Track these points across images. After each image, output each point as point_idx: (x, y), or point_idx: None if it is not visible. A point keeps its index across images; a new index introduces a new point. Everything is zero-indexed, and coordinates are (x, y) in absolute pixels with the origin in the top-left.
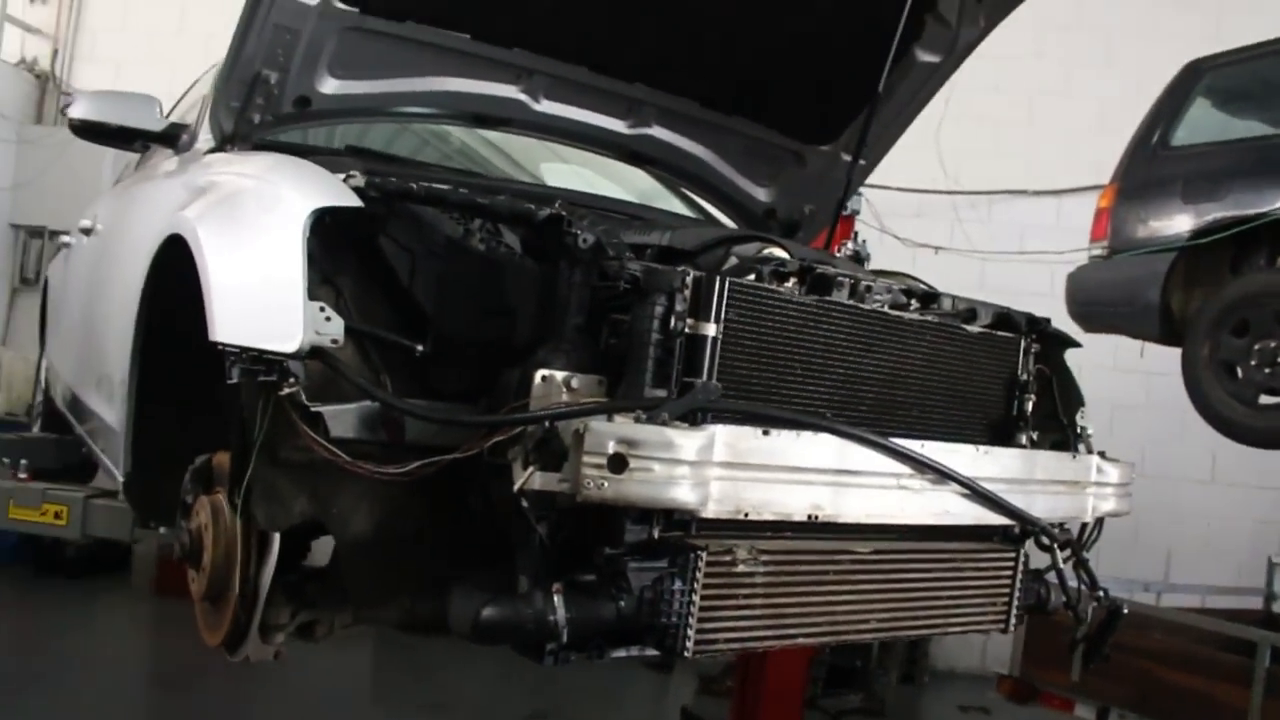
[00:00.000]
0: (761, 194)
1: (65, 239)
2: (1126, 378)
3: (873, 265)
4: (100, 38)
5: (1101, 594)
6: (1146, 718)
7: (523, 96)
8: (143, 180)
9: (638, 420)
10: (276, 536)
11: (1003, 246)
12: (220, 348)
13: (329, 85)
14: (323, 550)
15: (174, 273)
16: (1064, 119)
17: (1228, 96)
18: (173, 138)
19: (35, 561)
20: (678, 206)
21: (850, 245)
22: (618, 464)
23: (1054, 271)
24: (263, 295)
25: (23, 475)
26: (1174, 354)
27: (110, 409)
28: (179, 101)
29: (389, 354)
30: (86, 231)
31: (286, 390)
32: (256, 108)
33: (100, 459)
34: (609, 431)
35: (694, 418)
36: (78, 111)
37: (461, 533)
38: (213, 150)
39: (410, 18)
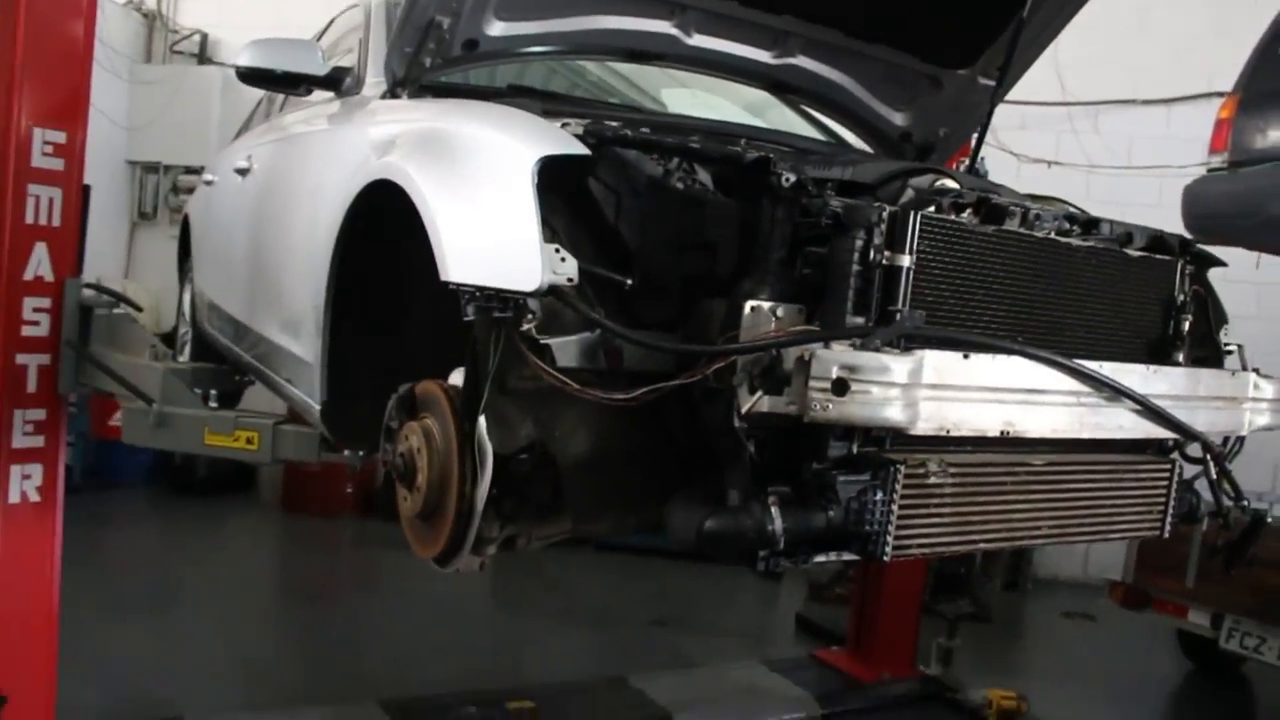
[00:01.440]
0: (898, 118)
1: (208, 177)
2: (1239, 288)
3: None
4: None
5: (1245, 503)
6: (1263, 623)
7: (675, 31)
8: (305, 124)
9: (854, 346)
10: (491, 457)
11: (1110, 158)
12: (454, 287)
13: (496, 28)
14: None
15: (371, 215)
16: (1175, 24)
17: None
18: (336, 81)
19: (168, 481)
20: (796, 121)
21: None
22: (840, 387)
23: (1162, 183)
24: (498, 239)
25: (213, 404)
26: None
27: (299, 343)
28: (318, 40)
29: (599, 288)
30: (241, 172)
31: (524, 326)
32: (428, 52)
33: (282, 387)
34: (832, 358)
35: (899, 343)
36: (245, 59)
37: (663, 453)
38: (385, 95)
39: None
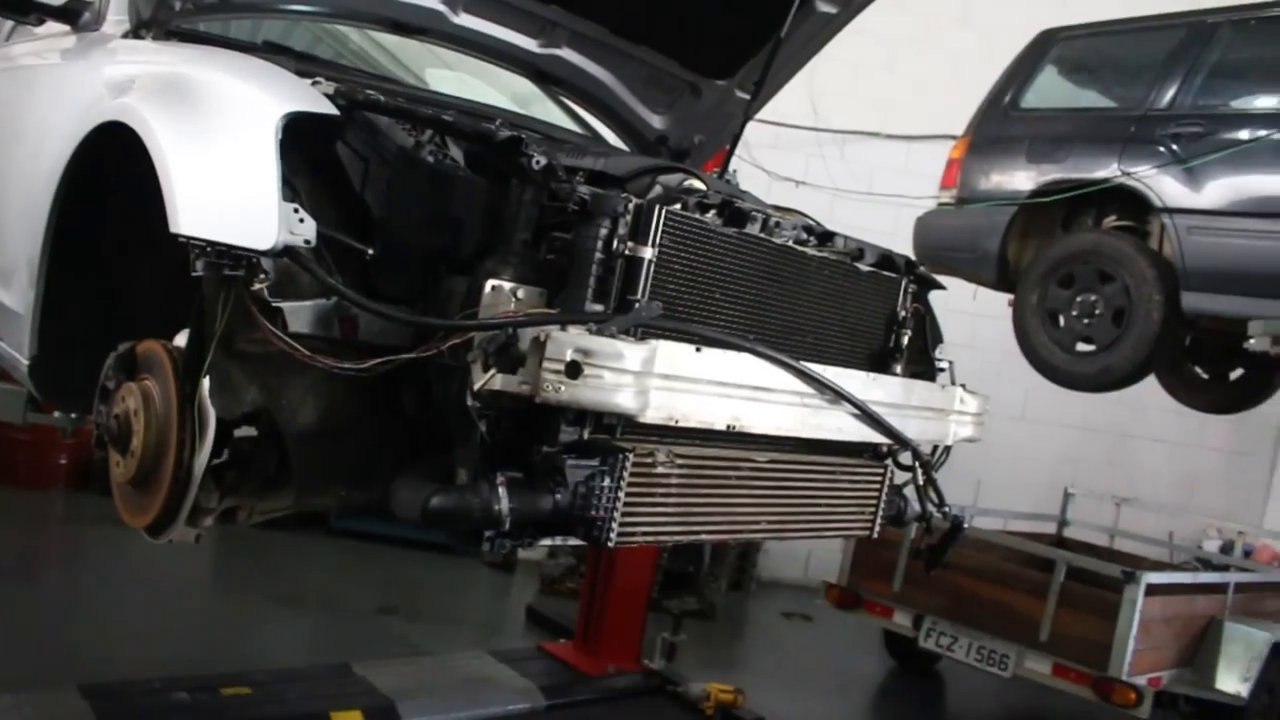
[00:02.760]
0: (656, 121)
1: None
2: (956, 317)
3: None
4: None
5: (947, 509)
6: (956, 623)
7: (442, 8)
8: (33, 56)
9: (590, 331)
10: (213, 423)
11: (854, 184)
12: (184, 240)
13: None
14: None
15: (97, 161)
16: (921, 69)
17: (1075, 66)
18: (74, 14)
19: None
20: (558, 115)
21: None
22: (574, 370)
23: (898, 212)
24: (235, 193)
25: None
26: (999, 299)
27: (10, 293)
28: None
29: (338, 255)
30: None
31: (255, 286)
32: None
33: None
34: (568, 340)
35: (635, 332)
36: None
37: (390, 428)
38: (128, 35)
39: None
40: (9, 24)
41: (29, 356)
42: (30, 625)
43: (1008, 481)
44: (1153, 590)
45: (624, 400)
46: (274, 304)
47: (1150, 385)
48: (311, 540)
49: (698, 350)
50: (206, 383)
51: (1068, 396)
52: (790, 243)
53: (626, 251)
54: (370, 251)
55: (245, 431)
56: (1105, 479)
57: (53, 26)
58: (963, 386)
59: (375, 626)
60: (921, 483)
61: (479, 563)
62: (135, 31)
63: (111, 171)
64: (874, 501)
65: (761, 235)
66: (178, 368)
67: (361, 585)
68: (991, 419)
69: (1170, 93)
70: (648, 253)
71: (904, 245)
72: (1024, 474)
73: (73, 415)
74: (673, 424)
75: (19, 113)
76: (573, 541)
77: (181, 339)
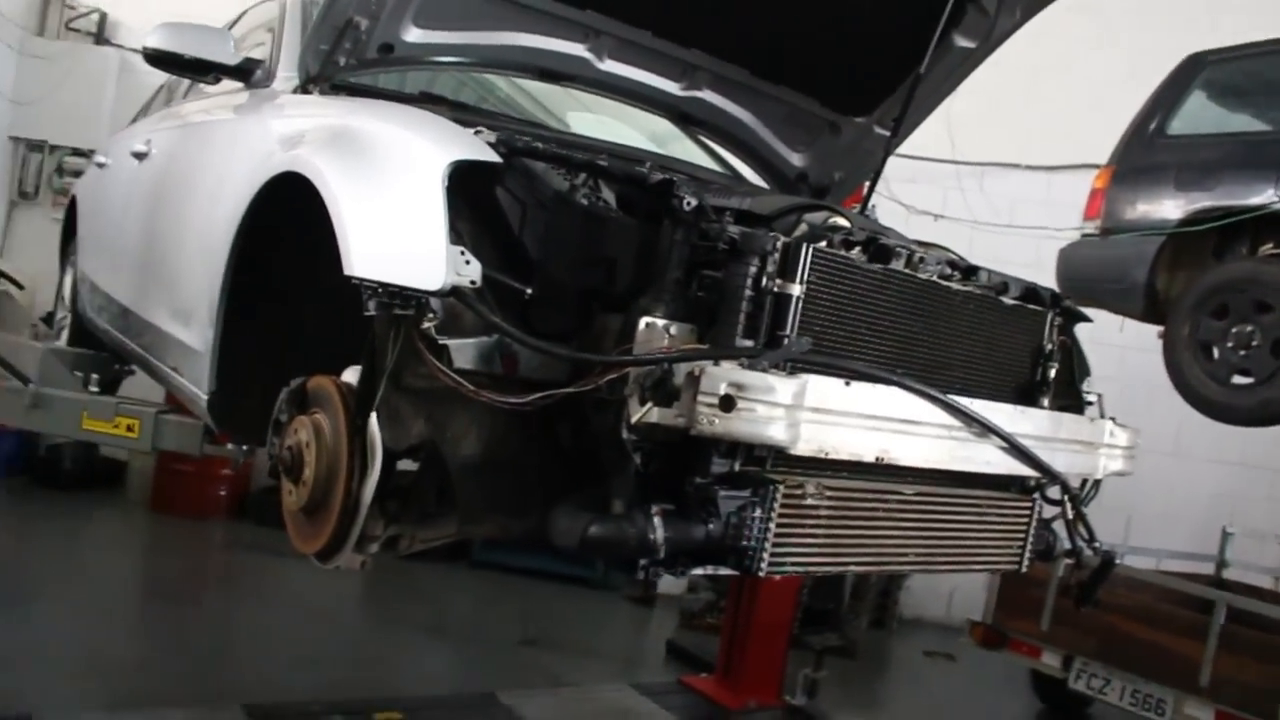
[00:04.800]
0: (796, 159)
1: (100, 159)
2: (1103, 350)
3: None
4: None
5: (1098, 545)
6: (1109, 665)
7: (588, 55)
8: (211, 112)
9: (742, 366)
10: (380, 454)
11: (993, 216)
12: (357, 282)
13: (412, 34)
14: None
15: (273, 208)
16: (1060, 97)
17: (1224, 90)
18: (247, 72)
19: (31, 473)
20: (697, 153)
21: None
22: (727, 404)
23: (1039, 244)
24: (405, 238)
25: (94, 389)
26: (1148, 331)
27: (189, 331)
28: (230, 29)
29: (499, 295)
30: (139, 155)
31: (424, 325)
32: (344, 51)
33: (168, 376)
34: (721, 375)
35: (786, 367)
36: (154, 41)
37: (550, 460)
38: (297, 90)
39: None
40: (185, 84)
41: (208, 391)
42: (195, 646)
43: (1161, 518)
44: None
45: (776, 433)
46: (441, 341)
47: None
48: (455, 572)
49: (847, 384)
50: (375, 416)
51: (1223, 431)
52: (935, 277)
53: (775, 288)
54: (529, 291)
55: (406, 465)
56: (1266, 518)
57: (224, 84)
58: (1112, 419)
59: (518, 657)
60: (1071, 517)
61: (619, 596)
62: (303, 86)
63: (285, 219)
64: (1022, 535)
65: (906, 271)
66: (347, 402)
67: (503, 616)
68: (1142, 454)
69: None
70: (796, 289)
71: (1047, 278)
72: (1177, 511)
73: (244, 448)
74: (823, 456)
75: (197, 165)
76: (724, 571)
77: (350, 375)
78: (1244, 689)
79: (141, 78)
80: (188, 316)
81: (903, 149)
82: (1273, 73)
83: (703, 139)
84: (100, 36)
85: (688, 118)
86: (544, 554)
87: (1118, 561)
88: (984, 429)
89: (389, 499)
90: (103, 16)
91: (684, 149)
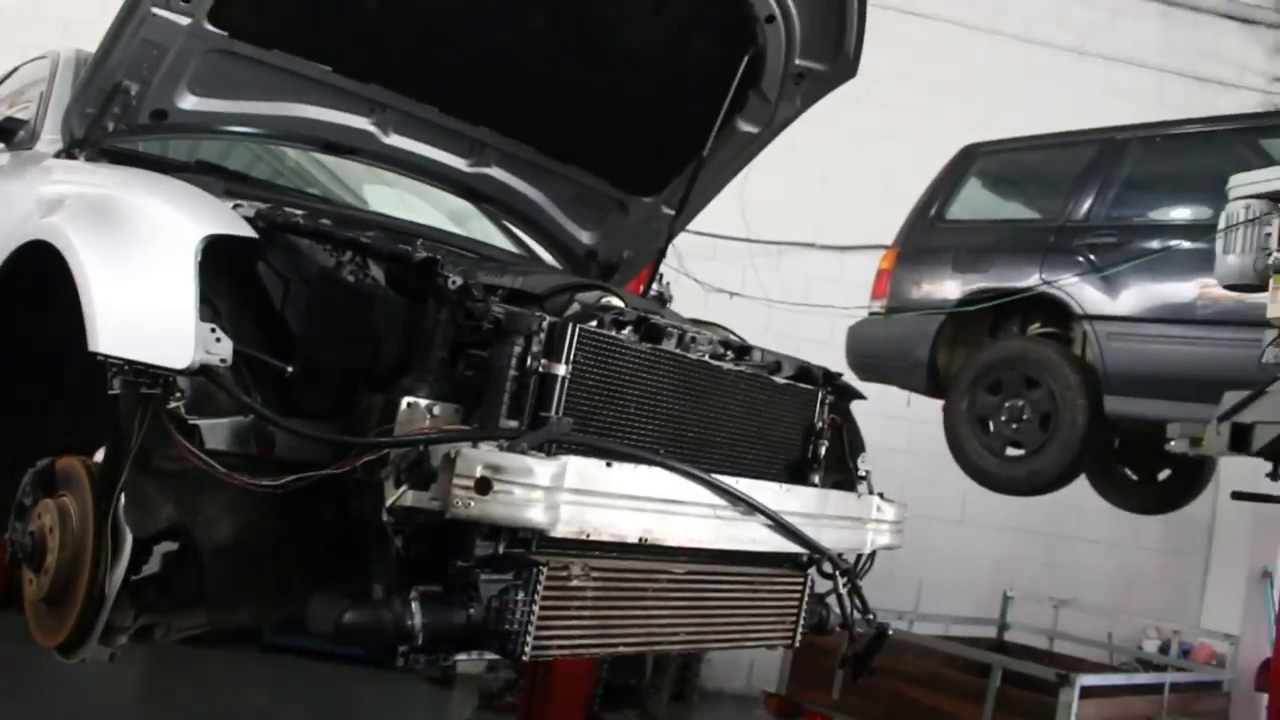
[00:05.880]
0: (585, 237)
1: None
2: (892, 423)
3: (673, 306)
4: None
5: (871, 617)
6: None
7: (373, 129)
8: None
9: (500, 448)
10: (129, 541)
11: (790, 295)
12: (102, 358)
13: (188, 101)
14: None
15: (21, 278)
16: (852, 182)
17: (997, 179)
18: (8, 132)
19: None
20: (494, 232)
21: (655, 286)
22: (484, 486)
23: (834, 322)
24: (152, 313)
25: None
26: (934, 405)
27: None
28: None
29: (258, 373)
30: None
31: (171, 404)
32: (112, 116)
33: None
34: (477, 457)
35: (547, 448)
36: None
37: (310, 543)
38: (61, 154)
39: (276, 46)
40: None
41: None
42: None
43: (950, 584)
44: (1088, 693)
45: (534, 515)
46: (190, 421)
47: (1084, 487)
48: (243, 657)
49: (609, 465)
50: (123, 500)
51: (1004, 500)
52: (706, 357)
53: (540, 368)
54: (290, 369)
55: (168, 547)
56: (1044, 581)
57: None
58: (880, 495)
59: None
60: (844, 590)
61: (418, 679)
62: (68, 151)
63: (37, 290)
64: (795, 611)
65: (677, 350)
66: (95, 485)
67: (296, 702)
68: (930, 523)
69: (1086, 204)
70: (561, 369)
71: (840, 354)
72: (965, 577)
73: None
74: (585, 538)
75: None
76: (489, 655)
77: (101, 455)
78: None
79: None
80: None
81: (701, 227)
82: (1038, 164)
83: (502, 220)
84: None
85: (477, 194)
86: None
87: (906, 629)
88: (749, 507)
89: (145, 586)
90: None
91: (482, 228)
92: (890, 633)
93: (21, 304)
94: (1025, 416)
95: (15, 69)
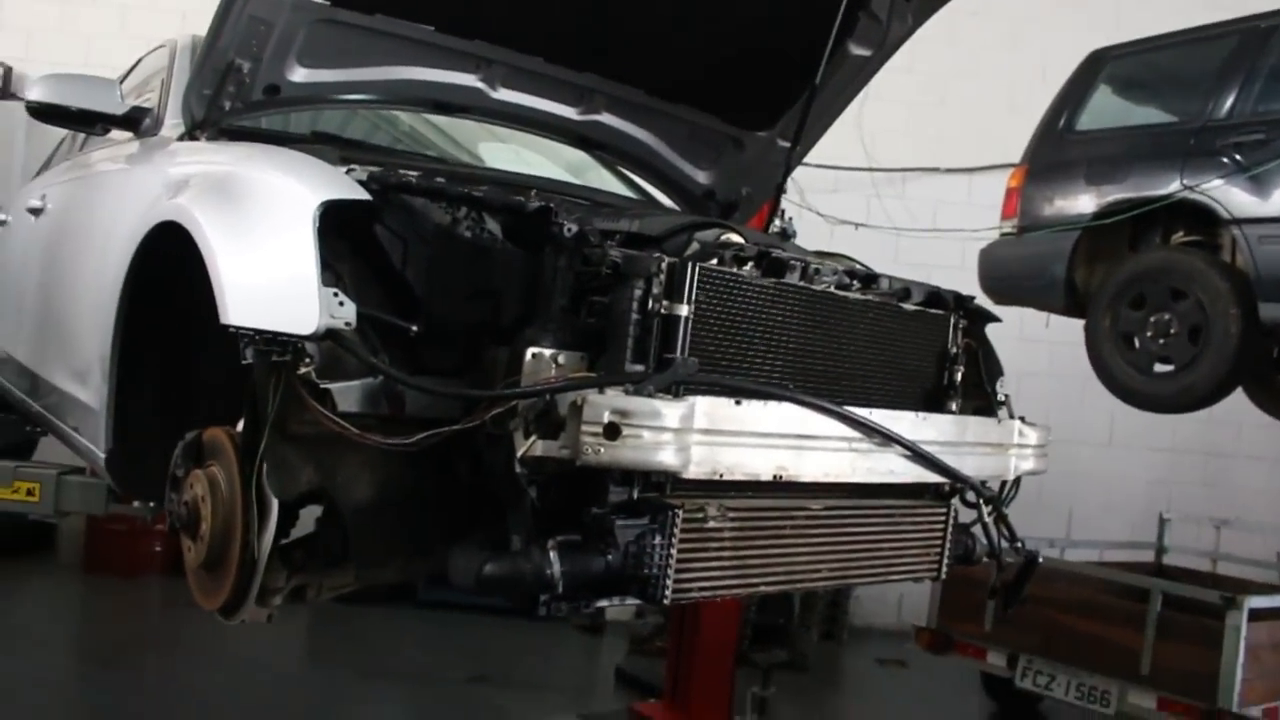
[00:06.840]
0: (701, 177)
1: (1, 216)
2: (1032, 347)
3: (797, 241)
4: (7, 4)
5: (1020, 545)
6: (1053, 661)
7: (481, 85)
8: (103, 163)
9: (627, 392)
10: (276, 505)
11: (917, 222)
12: (233, 330)
13: (298, 74)
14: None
15: (160, 259)
16: (974, 100)
17: (1128, 84)
18: (135, 121)
19: None
20: (611, 181)
21: (778, 222)
22: (612, 432)
23: (964, 246)
24: (277, 282)
25: None
26: (1076, 325)
27: (86, 389)
28: (123, 80)
29: (384, 334)
30: (35, 211)
31: (302, 370)
32: (228, 95)
33: (70, 437)
34: (604, 403)
35: (674, 389)
36: (36, 94)
37: (447, 497)
38: (184, 136)
39: (379, 10)
40: (82, 136)
41: (105, 450)
42: (132, 708)
43: (1101, 510)
44: (1257, 615)
45: (664, 458)
46: (322, 386)
47: (1241, 401)
48: (400, 613)
49: (737, 403)
50: (265, 466)
51: (1155, 419)
52: (831, 288)
53: (662, 310)
54: (414, 328)
55: (318, 510)
56: (1203, 502)
57: (123, 134)
58: (1022, 419)
59: (467, 695)
60: (989, 519)
61: (568, 626)
62: (190, 133)
63: (173, 269)
64: (939, 542)
65: (801, 283)
66: (239, 453)
67: (452, 655)
68: (1078, 447)
69: (1229, 102)
70: (683, 310)
71: (973, 279)
72: (1117, 501)
73: (150, 504)
74: (719, 478)
75: (87, 218)
76: (630, 601)
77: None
78: (1183, 675)
79: (52, 132)
80: (83, 374)
81: (822, 159)
82: (1173, 64)
83: (620, 167)
84: (5, 91)
85: (590, 141)
86: None
87: (1058, 556)
88: (885, 438)
89: (295, 548)
90: (8, 71)
91: (599, 178)
92: (1040, 560)
93: (164, 285)
94: (1173, 330)
95: (138, 61)
